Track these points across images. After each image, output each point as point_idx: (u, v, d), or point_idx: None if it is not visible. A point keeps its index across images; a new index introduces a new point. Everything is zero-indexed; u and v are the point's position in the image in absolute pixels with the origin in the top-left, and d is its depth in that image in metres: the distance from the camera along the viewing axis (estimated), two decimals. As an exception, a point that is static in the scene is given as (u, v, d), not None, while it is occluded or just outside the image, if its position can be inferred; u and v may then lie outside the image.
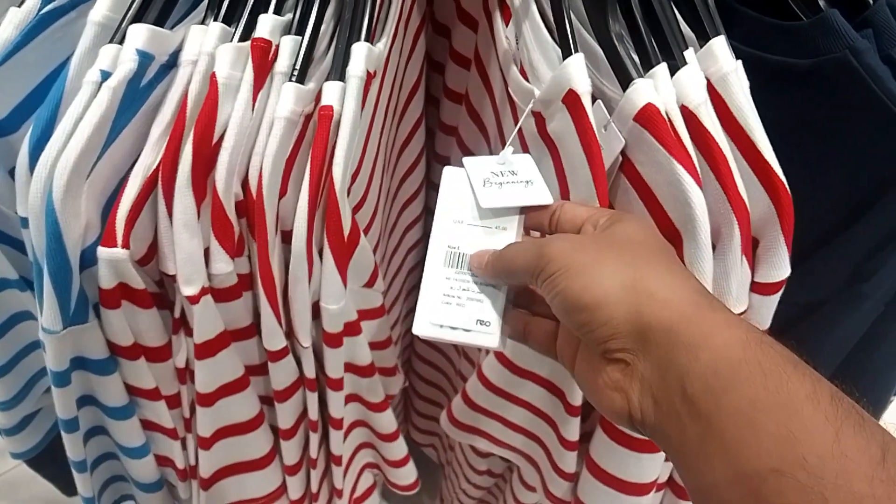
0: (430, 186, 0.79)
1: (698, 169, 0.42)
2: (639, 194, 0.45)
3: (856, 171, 0.51)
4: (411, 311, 0.88)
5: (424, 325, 0.40)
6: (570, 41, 0.46)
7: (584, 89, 0.43)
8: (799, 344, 0.58)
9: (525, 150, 0.52)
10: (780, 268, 0.45)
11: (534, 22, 0.50)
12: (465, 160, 0.45)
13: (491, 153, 0.65)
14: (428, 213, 0.81)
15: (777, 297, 0.46)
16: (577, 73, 0.43)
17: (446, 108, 0.73)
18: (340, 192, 0.44)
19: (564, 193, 0.47)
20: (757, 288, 0.46)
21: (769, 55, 0.51)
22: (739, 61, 0.45)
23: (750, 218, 0.43)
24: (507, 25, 0.55)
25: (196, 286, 0.45)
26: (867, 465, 0.26)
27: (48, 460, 0.66)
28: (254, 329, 0.51)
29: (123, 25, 0.44)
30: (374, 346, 0.58)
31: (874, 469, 0.26)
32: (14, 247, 0.52)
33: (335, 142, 0.44)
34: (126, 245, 0.43)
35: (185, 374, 0.53)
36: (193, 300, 0.45)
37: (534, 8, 0.50)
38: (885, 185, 0.50)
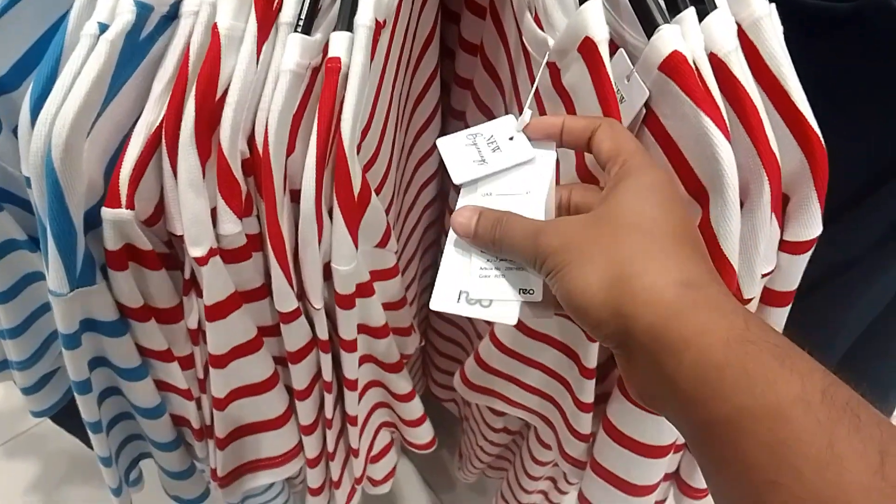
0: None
1: (727, 121, 0.40)
2: (663, 149, 0.43)
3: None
4: (428, 269, 0.87)
5: (444, 300, 0.39)
6: None
7: (601, 37, 0.41)
8: (826, 306, 0.56)
9: (540, 105, 0.50)
10: (811, 226, 0.43)
11: None
12: (438, 141, 0.43)
13: (506, 108, 0.63)
14: (444, 169, 0.79)
15: (807, 256, 0.44)
16: (594, 19, 0.41)
17: (462, 59, 0.70)
18: (350, 150, 0.42)
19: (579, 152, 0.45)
20: (786, 247, 0.44)
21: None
22: (773, 5, 0.42)
23: (781, 173, 0.41)
24: None
25: (204, 247, 0.44)
26: (864, 472, 0.24)
27: (69, 416, 0.67)
28: (265, 290, 0.50)
29: (120, -25, 0.42)
30: (388, 306, 0.57)
31: (871, 478, 0.24)
32: (22, 207, 0.51)
33: (343, 96, 0.42)
34: (130, 205, 0.42)
35: (198, 335, 0.52)
36: (202, 261, 0.44)
37: None
38: None
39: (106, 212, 0.42)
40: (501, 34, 0.60)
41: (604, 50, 0.41)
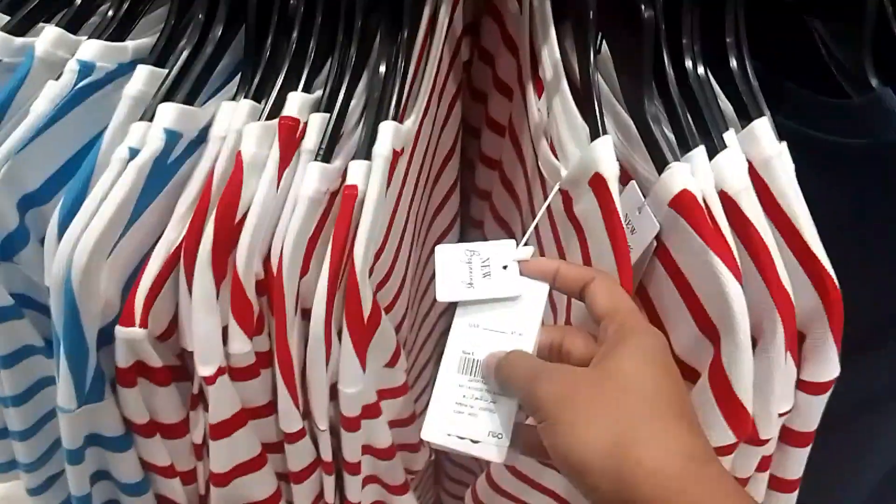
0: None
1: (738, 260, 0.39)
2: (674, 283, 0.42)
3: None
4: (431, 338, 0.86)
5: (434, 433, 0.38)
6: (598, 121, 0.44)
7: (610, 173, 0.41)
8: (850, 445, 0.54)
9: (553, 227, 0.50)
10: (828, 367, 0.42)
11: (564, 97, 0.49)
12: (437, 248, 0.43)
13: (522, 224, 0.64)
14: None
15: (825, 397, 0.43)
16: (605, 156, 0.42)
17: (481, 173, 0.72)
18: (361, 274, 0.43)
19: None
20: (804, 386, 0.43)
21: (817, 133, 0.49)
22: (784, 144, 0.43)
23: (795, 312, 0.40)
24: (539, 97, 0.54)
25: (212, 366, 0.44)
26: None
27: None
28: (272, 407, 0.50)
29: (153, 103, 0.44)
30: (396, 423, 0.56)
31: None
32: (43, 313, 0.51)
33: (358, 222, 0.43)
34: (144, 324, 0.42)
35: (202, 450, 0.51)
36: (209, 381, 0.44)
37: (565, 83, 0.49)
38: None
39: (120, 330, 0.42)
40: (519, 154, 0.61)
41: (613, 186, 0.41)
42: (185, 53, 0.46)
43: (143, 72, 0.47)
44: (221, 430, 0.47)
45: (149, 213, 0.44)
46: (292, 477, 0.51)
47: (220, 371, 0.45)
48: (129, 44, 0.49)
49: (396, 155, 0.46)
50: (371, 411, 0.49)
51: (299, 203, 0.43)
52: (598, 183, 0.42)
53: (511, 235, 0.66)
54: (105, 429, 0.46)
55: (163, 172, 0.44)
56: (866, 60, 0.47)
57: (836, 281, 0.41)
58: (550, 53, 0.51)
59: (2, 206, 0.44)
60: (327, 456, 0.50)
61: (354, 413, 0.47)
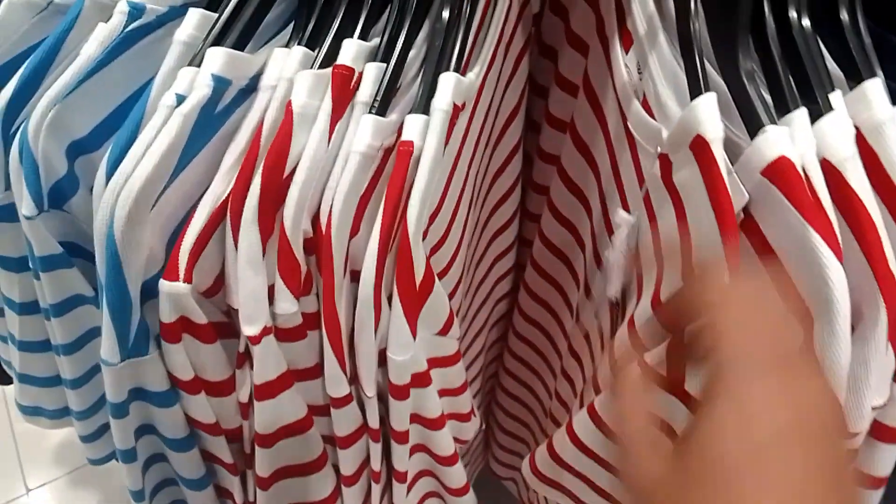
0: (525, 215, 0.74)
1: (839, 238, 0.35)
2: (762, 259, 0.38)
3: None
4: (496, 342, 0.84)
5: None
6: (700, 75, 0.39)
7: (714, 135, 0.37)
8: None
9: (647, 200, 0.46)
10: None
11: (662, 53, 0.44)
12: None
13: (601, 191, 0.59)
14: (521, 241, 0.76)
15: None
16: (708, 115, 0.37)
17: (547, 135, 0.67)
18: (414, 237, 0.40)
19: (686, 251, 0.41)
20: None
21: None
22: None
23: None
24: (626, 53, 0.49)
25: (258, 326, 0.42)
26: None
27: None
28: (318, 369, 0.48)
29: (202, 48, 0.42)
30: (446, 392, 0.53)
31: None
32: (94, 262, 0.51)
33: (413, 180, 0.40)
34: (188, 279, 0.41)
35: (249, 409, 0.50)
36: (255, 340, 0.42)
37: (662, 37, 0.44)
38: None
39: (163, 284, 0.41)
40: (599, 115, 0.57)
41: (718, 151, 0.37)
42: (236, -3, 0.43)
43: (194, 15, 0.45)
44: (267, 390, 0.46)
45: (195, 164, 0.42)
46: (338, 441, 0.50)
47: (266, 331, 0.43)
48: (182, -15, 0.46)
49: (457, 110, 0.42)
50: (421, 380, 0.47)
51: (350, 158, 0.40)
52: (700, 147, 0.38)
53: (584, 202, 0.62)
54: (150, 383, 0.45)
55: (210, 121, 0.42)
56: None
57: None
58: (643, 3, 0.46)
59: (50, 152, 0.43)
60: (374, 423, 0.48)
61: (404, 381, 0.45)
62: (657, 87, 0.44)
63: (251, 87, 0.44)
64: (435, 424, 0.51)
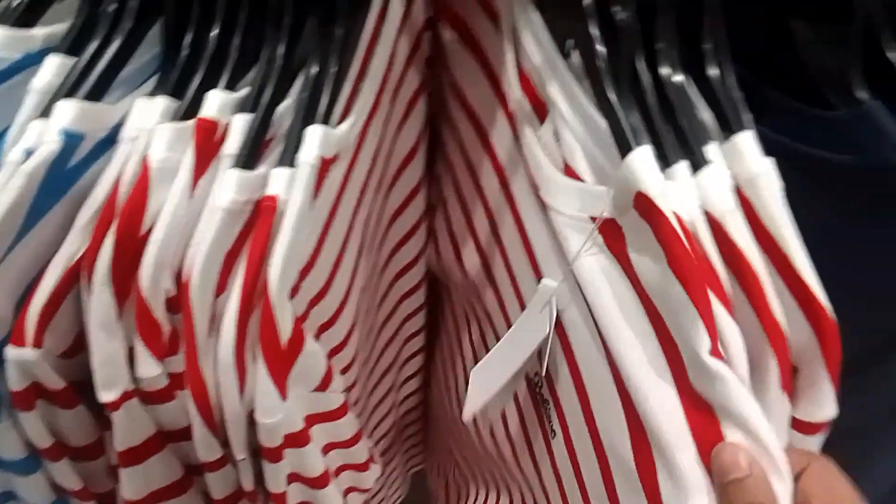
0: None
1: (729, 293, 0.35)
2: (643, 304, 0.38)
3: None
4: (411, 378, 0.82)
5: None
6: (626, 134, 0.38)
7: (656, 191, 0.35)
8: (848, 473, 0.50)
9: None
10: (823, 406, 0.38)
11: (582, 117, 0.43)
12: None
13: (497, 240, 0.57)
14: (429, 279, 0.75)
15: (820, 437, 0.39)
16: (647, 171, 0.36)
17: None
18: (276, 295, 0.39)
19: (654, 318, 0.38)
20: (798, 426, 0.38)
21: (802, 146, 0.44)
22: (771, 160, 0.38)
23: (788, 347, 0.36)
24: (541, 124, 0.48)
25: (115, 391, 0.40)
26: None
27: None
28: (186, 434, 0.46)
29: (53, 99, 0.40)
30: (334, 445, 0.52)
31: None
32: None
33: (275, 237, 0.39)
34: (38, 344, 0.38)
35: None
36: (112, 407, 0.40)
37: (579, 103, 0.43)
38: None
39: (9, 351, 0.38)
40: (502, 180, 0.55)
41: (664, 206, 0.35)
42: (96, 43, 0.41)
43: (53, 62, 0.43)
44: (131, 457, 0.43)
45: (45, 223, 0.40)
46: (216, 504, 0.48)
47: (127, 395, 0.41)
48: (39, 31, 0.44)
49: (327, 162, 0.41)
50: (297, 440, 0.45)
51: (213, 214, 0.39)
52: (646, 205, 0.36)
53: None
54: (5, 452, 0.43)
55: (61, 178, 0.39)
56: (853, 70, 0.42)
57: (831, 314, 0.36)
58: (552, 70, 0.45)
59: None
60: (248, 485, 0.46)
61: (275, 443, 0.43)
62: (585, 150, 0.43)
63: (111, 139, 0.42)
64: (318, 483, 0.49)
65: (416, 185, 0.65)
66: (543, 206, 0.46)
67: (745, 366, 0.35)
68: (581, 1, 0.41)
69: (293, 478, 0.48)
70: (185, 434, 0.46)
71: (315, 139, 0.40)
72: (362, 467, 0.58)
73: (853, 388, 0.41)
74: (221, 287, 0.41)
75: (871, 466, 0.52)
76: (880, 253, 0.44)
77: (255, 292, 0.39)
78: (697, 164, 0.38)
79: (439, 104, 0.62)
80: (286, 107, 0.43)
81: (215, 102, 0.41)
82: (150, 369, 0.40)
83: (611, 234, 0.40)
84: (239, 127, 0.41)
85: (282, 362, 0.41)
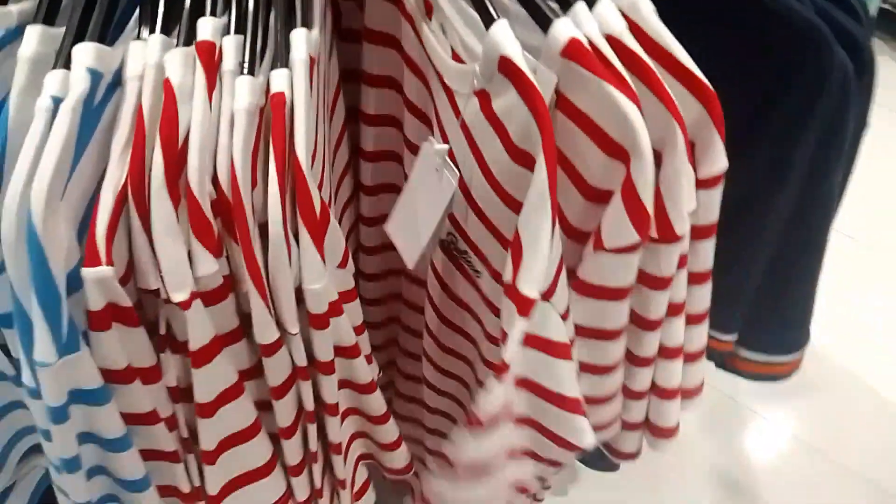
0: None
1: (633, 88, 0.47)
2: (579, 126, 0.49)
3: (760, 72, 0.57)
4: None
5: None
6: (488, 7, 0.49)
7: (513, 51, 0.46)
8: (736, 243, 0.64)
9: (469, 138, 0.53)
10: (718, 161, 0.51)
11: (457, 5, 0.53)
12: None
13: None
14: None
15: (720, 189, 0.52)
16: (503, 37, 0.46)
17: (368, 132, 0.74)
18: (308, 173, 0.46)
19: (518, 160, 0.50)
20: (701, 184, 0.51)
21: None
22: None
23: (686, 125, 0.49)
24: (430, 20, 0.58)
25: (186, 291, 0.45)
26: None
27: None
28: (241, 331, 0.52)
29: (65, 49, 0.44)
30: (358, 329, 0.59)
31: None
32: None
33: (292, 125, 0.46)
34: (110, 262, 0.43)
35: (178, 393, 0.52)
36: (185, 305, 0.46)
37: None
38: (789, 74, 0.56)
39: (87, 272, 0.42)
40: (427, 87, 0.64)
41: (522, 63, 0.46)
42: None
43: (34, 32, 0.46)
44: (203, 356, 0.49)
45: (86, 159, 0.44)
46: (273, 393, 0.54)
47: (194, 295, 0.46)
48: (13, 7, 0.48)
49: (313, 61, 0.49)
50: (335, 309, 0.52)
51: (238, 117, 0.45)
52: (507, 66, 0.47)
53: None
54: (84, 381, 0.46)
55: (91, 115, 0.44)
56: None
57: (711, 86, 0.49)
58: None
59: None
60: (301, 361, 0.52)
61: (322, 310, 0.50)
62: (462, 37, 0.53)
63: (116, 81, 0.47)
64: (353, 353, 0.57)
65: (342, 129, 0.72)
66: (449, 90, 0.56)
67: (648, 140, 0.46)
68: None
69: (335, 350, 0.55)
70: (235, 336, 0.52)
71: (302, 40, 0.48)
72: (369, 359, 0.66)
73: (738, 164, 0.55)
74: (253, 182, 0.47)
75: (758, 230, 0.67)
76: (721, 52, 0.58)
77: (286, 176, 0.46)
78: (591, 2, 0.50)
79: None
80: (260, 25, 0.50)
81: (208, 28, 0.47)
82: (209, 266, 0.46)
83: (483, 99, 0.51)
84: (231, 46, 0.48)
85: (320, 230, 0.48)
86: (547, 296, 0.49)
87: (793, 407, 1.50)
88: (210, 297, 0.48)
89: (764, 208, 0.63)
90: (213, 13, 0.49)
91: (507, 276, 0.49)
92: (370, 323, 0.84)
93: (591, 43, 0.47)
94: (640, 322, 0.57)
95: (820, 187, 0.61)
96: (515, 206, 0.51)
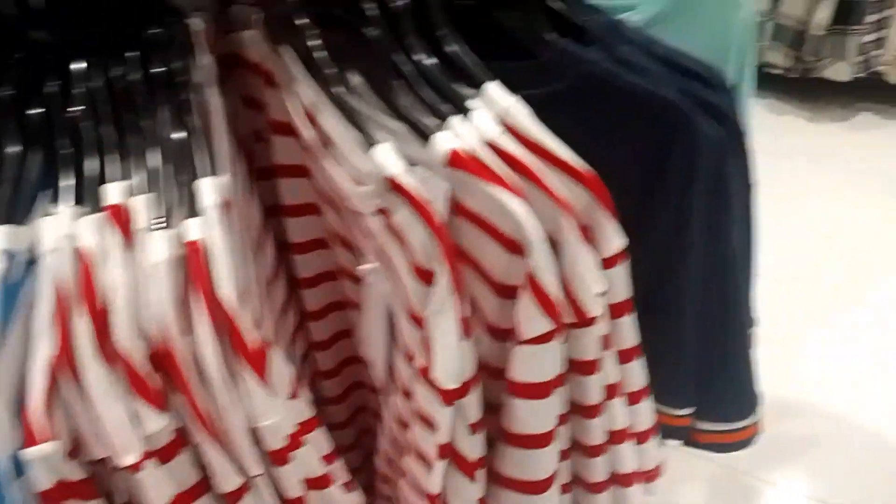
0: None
1: (518, 186, 0.50)
2: (479, 227, 0.52)
3: (634, 154, 0.61)
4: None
5: None
6: (364, 135, 0.53)
7: (397, 170, 0.50)
8: (665, 310, 0.66)
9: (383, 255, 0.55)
10: (614, 239, 0.54)
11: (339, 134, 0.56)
12: None
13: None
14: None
15: (624, 266, 0.55)
16: (386, 158, 0.50)
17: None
18: (236, 308, 0.46)
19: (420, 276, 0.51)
20: (605, 265, 0.54)
21: (536, 90, 0.61)
22: (517, 96, 0.54)
23: (575, 210, 0.51)
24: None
25: (136, 453, 0.44)
26: None
27: None
28: (205, 484, 0.50)
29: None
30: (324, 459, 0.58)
31: None
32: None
33: (213, 268, 0.47)
34: (53, 436, 0.42)
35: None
36: (135, 468, 0.44)
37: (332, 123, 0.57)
38: (662, 151, 0.60)
39: (29, 452, 0.41)
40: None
41: (407, 181, 0.49)
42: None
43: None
44: (165, 518, 0.47)
45: (13, 339, 0.44)
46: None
47: (147, 455, 0.45)
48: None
49: (227, 204, 0.50)
50: (295, 442, 0.51)
51: (158, 270, 0.46)
52: (394, 185, 0.50)
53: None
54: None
55: (11, 295, 0.44)
56: (543, 26, 0.60)
57: (591, 172, 0.52)
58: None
59: None
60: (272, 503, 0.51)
61: (280, 445, 0.49)
62: (352, 162, 0.55)
63: (32, 259, 0.47)
64: (321, 483, 0.55)
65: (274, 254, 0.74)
66: (357, 213, 0.58)
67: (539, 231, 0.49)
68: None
69: (307, 483, 0.53)
70: (197, 491, 0.50)
71: (210, 188, 0.49)
72: (350, 486, 0.64)
73: (641, 253, 0.58)
74: (187, 330, 0.47)
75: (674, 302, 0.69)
76: (610, 141, 0.62)
77: (217, 316, 0.47)
78: (466, 112, 0.53)
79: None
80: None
81: (115, 192, 0.48)
82: (157, 422, 0.45)
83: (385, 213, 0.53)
84: (140, 205, 0.49)
85: (260, 363, 0.48)
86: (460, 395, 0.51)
87: (796, 467, 1.45)
88: (164, 454, 0.47)
89: (675, 279, 0.65)
90: (121, 177, 0.50)
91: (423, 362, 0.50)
92: (344, 446, 0.83)
93: (471, 150, 0.50)
94: (582, 410, 0.58)
95: (719, 250, 0.64)
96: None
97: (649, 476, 0.68)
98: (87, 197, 0.49)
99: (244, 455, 0.49)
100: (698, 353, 0.70)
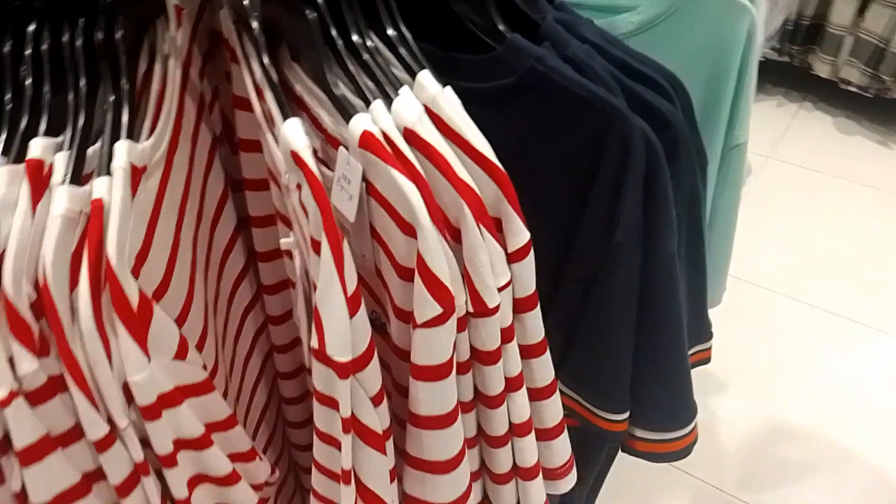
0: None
1: (421, 171, 0.50)
2: (383, 207, 0.52)
3: (573, 152, 0.60)
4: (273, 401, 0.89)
5: None
6: (281, 110, 0.55)
7: (300, 145, 0.51)
8: (599, 314, 0.64)
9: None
10: (520, 234, 0.53)
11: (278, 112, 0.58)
12: None
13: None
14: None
15: (530, 259, 0.53)
16: (291, 133, 0.52)
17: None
18: (118, 268, 0.49)
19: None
20: (511, 258, 0.53)
21: (483, 84, 0.61)
22: (448, 87, 0.54)
23: (481, 200, 0.51)
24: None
25: (3, 390, 0.48)
26: None
27: None
28: (79, 429, 0.53)
29: None
30: (213, 427, 0.60)
31: None
32: None
33: (106, 226, 0.49)
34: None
35: (25, 499, 0.53)
36: (3, 404, 0.48)
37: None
38: (597, 150, 0.59)
39: None
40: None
41: (306, 155, 0.51)
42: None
43: None
44: (30, 455, 0.50)
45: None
46: (117, 491, 0.54)
47: (13, 394, 0.48)
48: None
49: (137, 170, 0.53)
50: (169, 399, 0.53)
51: (52, 223, 0.49)
52: (297, 159, 0.52)
53: None
54: None
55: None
56: (496, 19, 0.61)
57: (502, 167, 0.51)
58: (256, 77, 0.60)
59: None
60: (138, 456, 0.53)
61: (150, 401, 0.52)
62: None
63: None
64: (201, 444, 0.57)
65: (234, 232, 0.76)
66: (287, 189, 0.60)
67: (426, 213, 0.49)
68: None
69: (178, 444, 0.55)
70: (73, 435, 0.53)
71: (122, 150, 0.52)
72: (246, 457, 0.66)
73: (571, 245, 0.56)
74: (73, 283, 0.50)
75: (613, 291, 0.66)
76: (551, 135, 0.61)
77: (99, 273, 0.49)
78: (391, 99, 0.54)
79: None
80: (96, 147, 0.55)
81: (37, 147, 0.52)
82: (28, 365, 0.49)
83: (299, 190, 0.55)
84: (61, 162, 0.52)
85: (137, 323, 0.50)
86: (356, 368, 0.50)
87: (782, 489, 1.45)
88: (35, 396, 0.50)
89: (606, 278, 0.63)
90: (52, 133, 0.54)
91: (314, 343, 0.50)
92: (302, 445, 0.85)
93: (383, 134, 0.51)
94: (483, 399, 0.57)
95: (655, 255, 0.61)
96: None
97: (554, 473, 0.66)
98: (12, 150, 0.53)
99: (111, 406, 0.51)
100: (634, 358, 0.68)
